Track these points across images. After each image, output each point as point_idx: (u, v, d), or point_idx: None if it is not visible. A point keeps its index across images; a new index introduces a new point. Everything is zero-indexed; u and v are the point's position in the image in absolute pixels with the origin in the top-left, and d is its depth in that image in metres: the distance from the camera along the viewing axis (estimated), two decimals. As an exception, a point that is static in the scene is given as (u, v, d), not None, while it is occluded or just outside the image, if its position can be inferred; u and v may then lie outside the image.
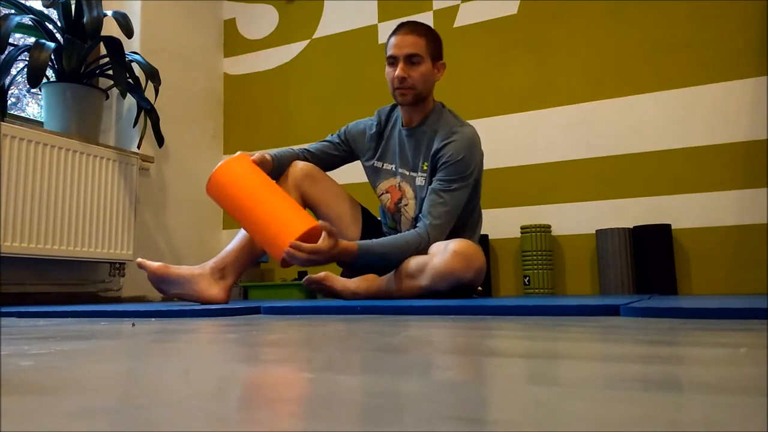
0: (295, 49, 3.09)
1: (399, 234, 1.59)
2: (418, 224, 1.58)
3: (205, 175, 3.07)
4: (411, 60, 1.58)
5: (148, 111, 2.47)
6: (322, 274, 1.69)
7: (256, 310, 1.23)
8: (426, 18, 2.78)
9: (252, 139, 3.14)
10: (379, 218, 1.83)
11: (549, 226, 2.34)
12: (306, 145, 1.78)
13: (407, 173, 1.66)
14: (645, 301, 1.14)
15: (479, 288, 1.65)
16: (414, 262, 1.49)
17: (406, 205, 1.67)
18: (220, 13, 3.28)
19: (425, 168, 1.62)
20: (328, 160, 1.76)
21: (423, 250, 1.51)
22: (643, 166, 2.31)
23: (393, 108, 1.75)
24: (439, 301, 1.25)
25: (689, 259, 2.21)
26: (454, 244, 1.43)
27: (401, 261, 1.50)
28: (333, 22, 3.00)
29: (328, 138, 1.80)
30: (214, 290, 1.47)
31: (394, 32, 1.63)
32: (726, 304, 0.89)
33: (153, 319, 1.07)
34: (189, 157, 2.96)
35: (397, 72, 1.58)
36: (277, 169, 1.66)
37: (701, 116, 2.25)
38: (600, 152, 2.39)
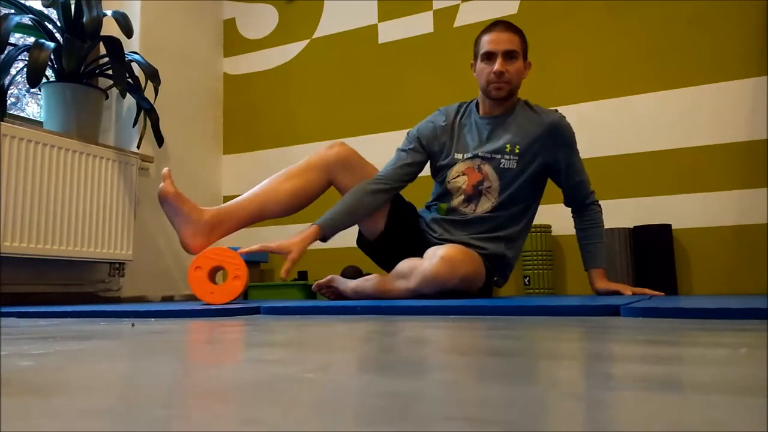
0: (294, 48, 3.09)
1: (590, 228, 1.67)
2: (586, 205, 1.69)
3: (205, 175, 3.08)
4: (509, 55, 1.60)
5: (147, 111, 2.47)
6: (327, 277, 1.77)
7: (256, 310, 1.23)
8: (426, 18, 2.79)
9: (251, 138, 3.14)
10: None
11: (549, 226, 2.34)
12: (378, 175, 1.67)
13: (489, 155, 1.63)
14: (645, 301, 1.14)
15: (495, 278, 1.65)
16: (407, 264, 1.51)
17: (489, 187, 1.62)
18: (220, 13, 3.28)
19: (517, 151, 1.60)
20: (409, 175, 1.70)
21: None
22: (643, 166, 2.31)
23: (461, 104, 1.75)
24: (439, 301, 1.25)
25: (689, 259, 2.21)
26: (443, 250, 1.45)
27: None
28: (333, 21, 3.00)
29: (401, 151, 1.72)
30: (194, 241, 1.52)
31: (490, 29, 1.64)
32: (726, 304, 0.89)
33: (153, 319, 1.07)
34: (189, 157, 2.96)
35: (496, 67, 1.59)
36: (339, 228, 1.59)
37: (701, 116, 2.25)
38: (600, 152, 2.39)
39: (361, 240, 1.77)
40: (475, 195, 1.64)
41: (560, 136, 1.61)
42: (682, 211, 2.23)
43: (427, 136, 1.71)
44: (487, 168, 1.62)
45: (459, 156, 1.67)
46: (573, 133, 1.64)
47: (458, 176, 1.66)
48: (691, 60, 2.28)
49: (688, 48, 2.29)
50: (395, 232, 1.68)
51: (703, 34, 2.27)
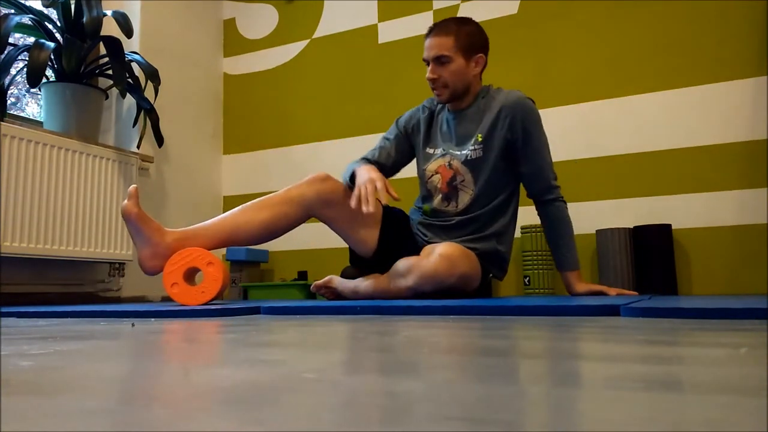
0: (294, 48, 3.09)
1: (559, 228, 1.63)
2: (551, 200, 1.63)
3: (205, 175, 3.08)
4: (440, 61, 1.62)
5: (147, 111, 2.47)
6: (326, 278, 1.77)
7: (255, 310, 1.23)
8: (426, 18, 2.79)
9: (251, 138, 3.14)
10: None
11: (549, 226, 2.34)
12: (369, 156, 1.74)
13: (457, 152, 1.65)
14: (645, 301, 1.14)
15: (490, 275, 1.66)
16: (404, 262, 1.51)
17: (462, 181, 1.64)
18: (219, 13, 3.28)
19: (480, 139, 1.62)
20: (396, 164, 1.76)
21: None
22: (643, 166, 2.31)
23: None
24: (439, 301, 1.25)
25: (689, 259, 2.21)
26: (441, 248, 1.46)
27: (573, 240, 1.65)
28: (333, 21, 3.00)
29: (385, 140, 1.76)
30: (152, 263, 1.47)
31: (426, 36, 1.67)
32: (726, 304, 0.89)
33: (153, 319, 1.07)
34: (189, 157, 2.96)
35: (427, 74, 1.64)
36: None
37: (701, 116, 2.25)
38: (600, 152, 2.39)
39: (354, 258, 1.75)
40: (452, 192, 1.65)
41: (516, 111, 1.59)
42: (682, 211, 2.23)
43: (411, 125, 1.76)
44: (456, 163, 1.64)
45: (430, 151, 1.71)
46: (533, 111, 1.61)
47: (433, 176, 1.69)
48: (691, 60, 2.28)
49: (688, 48, 2.29)
50: (390, 245, 1.68)
51: (703, 34, 2.27)
